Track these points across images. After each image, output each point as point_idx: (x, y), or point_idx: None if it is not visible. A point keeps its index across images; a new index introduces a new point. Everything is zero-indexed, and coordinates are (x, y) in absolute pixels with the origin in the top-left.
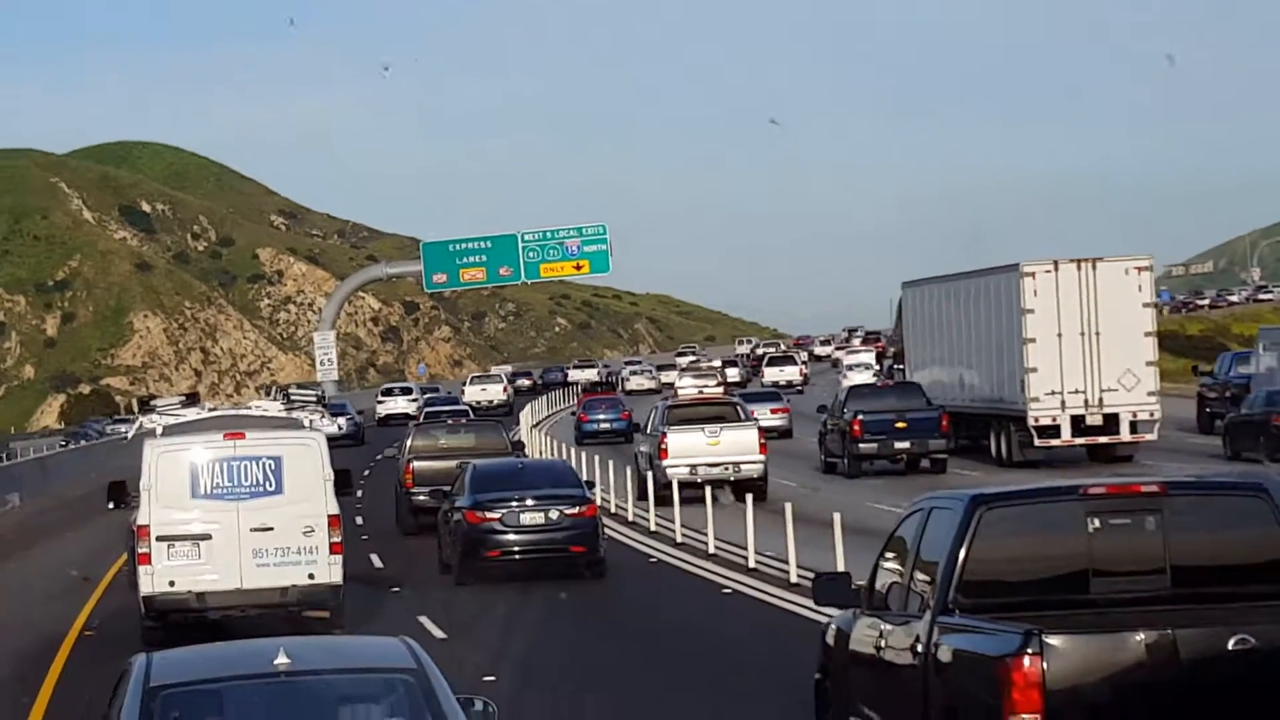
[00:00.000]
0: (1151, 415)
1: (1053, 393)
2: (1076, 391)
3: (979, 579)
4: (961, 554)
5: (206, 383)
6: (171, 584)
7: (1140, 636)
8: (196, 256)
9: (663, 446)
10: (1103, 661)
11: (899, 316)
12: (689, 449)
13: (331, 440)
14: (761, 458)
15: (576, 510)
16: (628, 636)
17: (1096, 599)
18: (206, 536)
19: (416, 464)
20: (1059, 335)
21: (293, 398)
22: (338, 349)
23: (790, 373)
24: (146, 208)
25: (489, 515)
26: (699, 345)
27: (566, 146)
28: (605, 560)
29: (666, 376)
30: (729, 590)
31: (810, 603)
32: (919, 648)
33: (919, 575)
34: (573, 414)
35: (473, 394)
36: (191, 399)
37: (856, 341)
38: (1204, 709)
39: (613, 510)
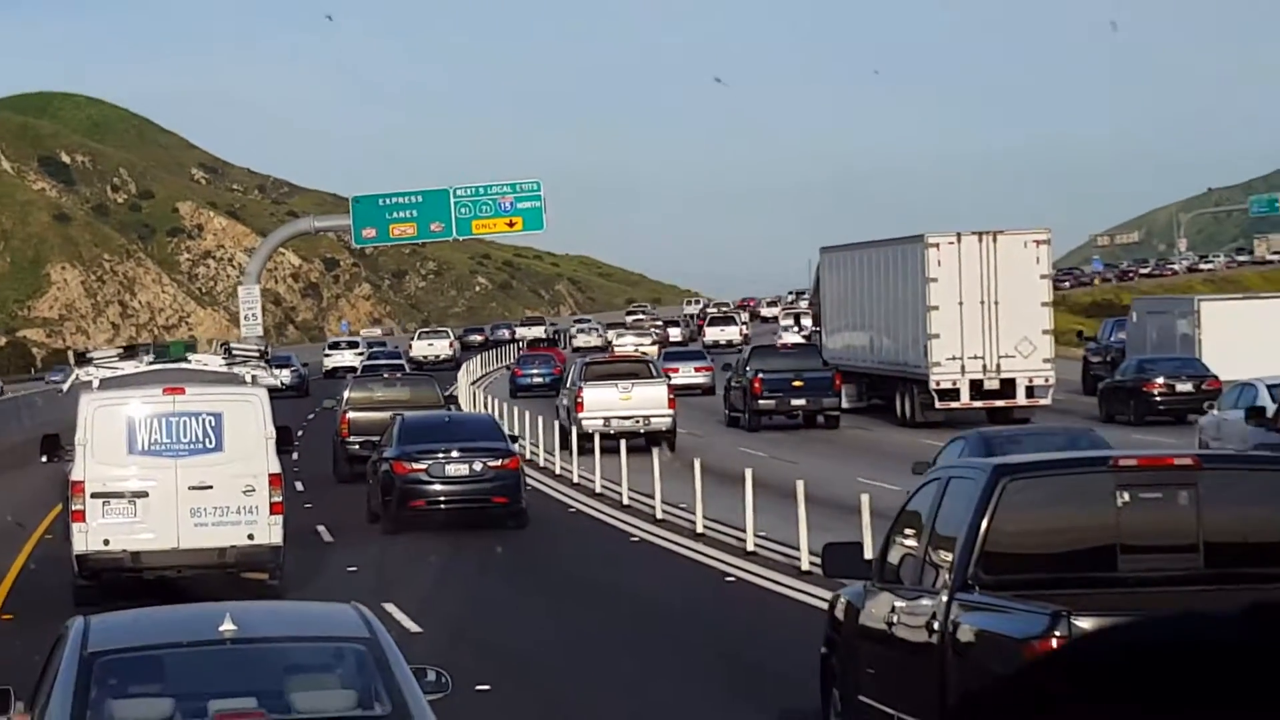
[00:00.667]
0: (1047, 381)
1: (953, 358)
2: (975, 357)
3: (1001, 553)
4: (982, 527)
5: (124, 336)
6: (106, 542)
7: (1176, 618)
8: (116, 209)
9: (579, 400)
10: (1134, 644)
11: (817, 281)
12: (603, 403)
13: (276, 392)
14: (670, 412)
15: (500, 463)
16: (536, 582)
17: (1125, 577)
18: (143, 494)
19: (352, 415)
20: (960, 304)
21: (234, 352)
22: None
23: (730, 332)
24: (66, 159)
25: (415, 466)
26: (649, 305)
27: (490, 107)
28: (527, 511)
29: (614, 334)
30: (636, 539)
31: (709, 549)
32: (935, 625)
33: (936, 548)
34: (507, 368)
35: (420, 349)
36: (130, 351)
37: (804, 304)
38: (1240, 695)
39: (541, 463)
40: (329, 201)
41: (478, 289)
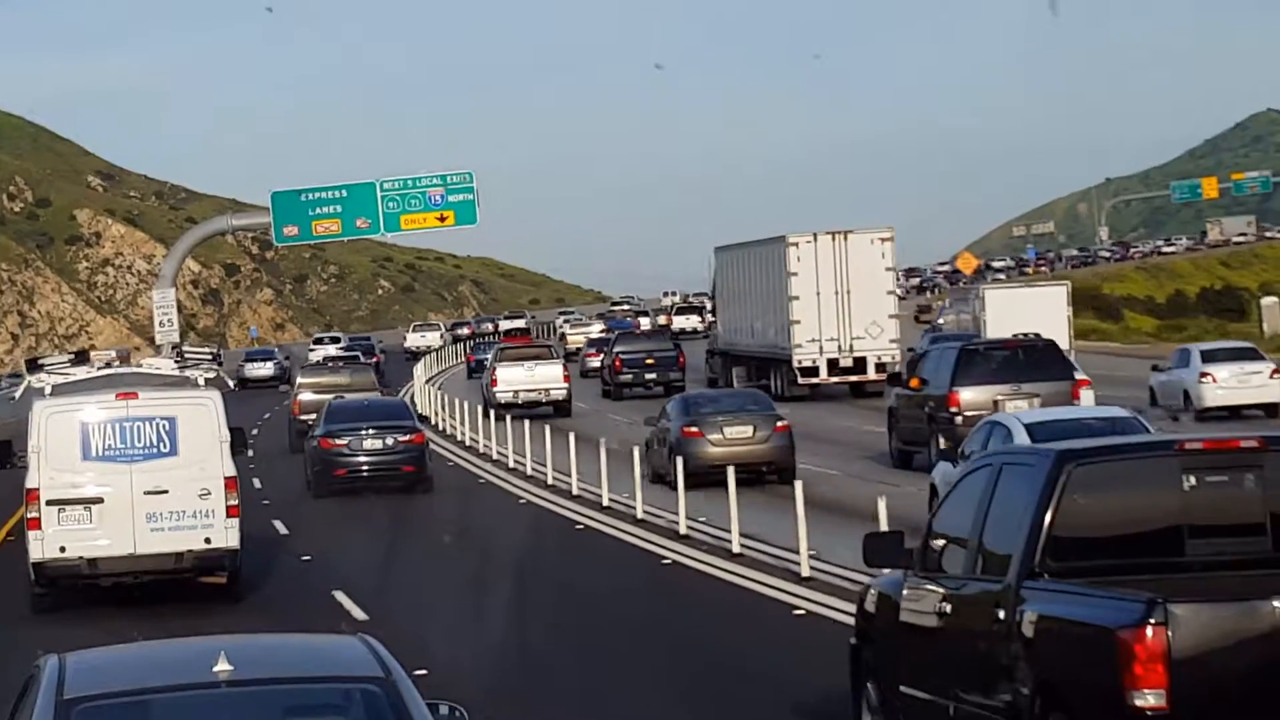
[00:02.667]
0: (894, 359)
1: (813, 340)
2: (831, 339)
3: (1067, 539)
4: (1049, 514)
5: (24, 347)
6: (62, 549)
7: (1276, 605)
8: (12, 218)
9: (493, 378)
10: (1231, 632)
11: (714, 277)
12: (512, 380)
13: (262, 381)
14: (565, 385)
15: (408, 438)
16: (428, 534)
17: (1193, 561)
18: (98, 500)
19: (302, 396)
20: (817, 294)
21: (186, 355)
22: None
23: (694, 320)
24: None
25: (338, 442)
26: (635, 296)
27: (379, 100)
28: (432, 478)
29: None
30: (524, 500)
31: (577, 505)
32: (1000, 614)
33: (990, 537)
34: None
35: (414, 339)
36: (81, 357)
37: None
38: None
39: (466, 442)
40: (228, 206)
41: (380, 292)
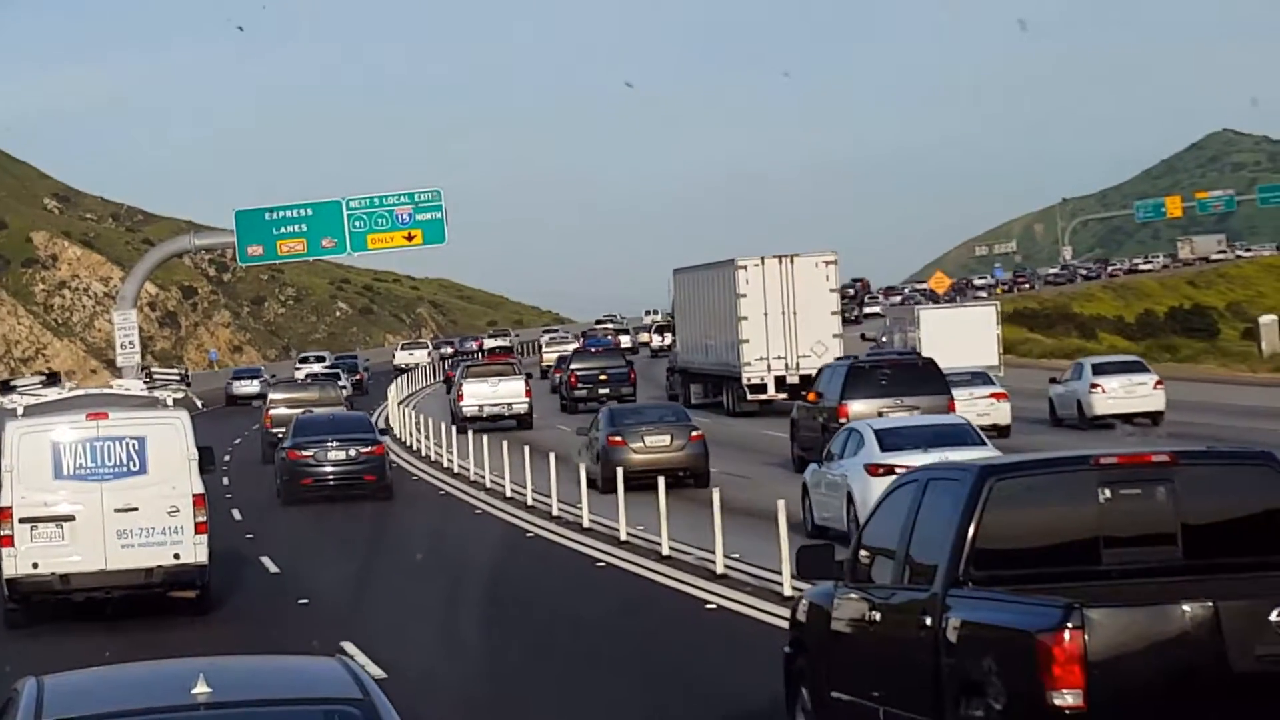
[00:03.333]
0: None
1: (761, 358)
2: (779, 357)
3: (990, 550)
4: (972, 526)
5: None
6: (35, 566)
7: (1184, 609)
8: None
9: (460, 393)
10: (1143, 635)
11: (672, 298)
12: (478, 394)
13: (249, 397)
14: (527, 400)
15: (369, 449)
16: (383, 539)
17: (1109, 569)
18: (70, 518)
19: (272, 411)
20: (765, 314)
21: (155, 376)
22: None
23: (670, 338)
24: None
25: (304, 454)
26: (618, 315)
27: (340, 119)
28: (391, 486)
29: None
30: (480, 510)
31: (524, 513)
32: (927, 621)
33: (916, 548)
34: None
35: (402, 357)
36: (52, 378)
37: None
38: (1247, 683)
39: (432, 457)
40: (184, 228)
41: (338, 314)
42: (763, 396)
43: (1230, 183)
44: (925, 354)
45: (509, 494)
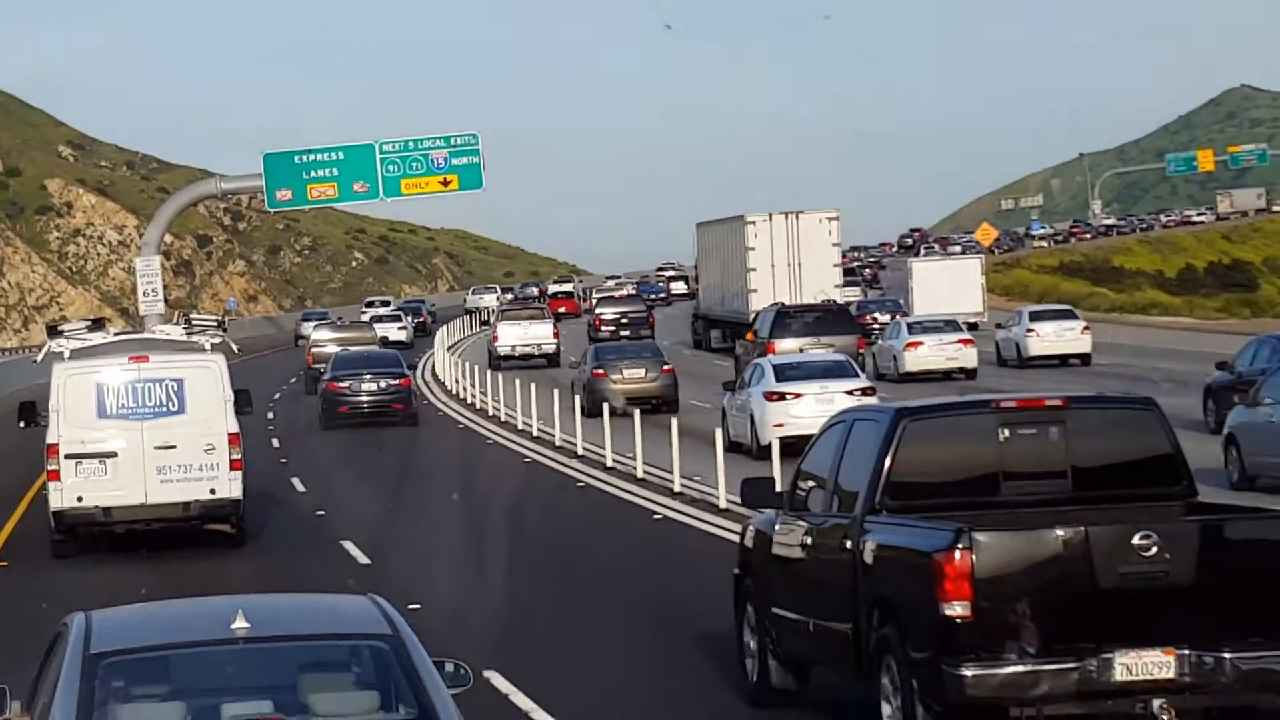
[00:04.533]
0: None
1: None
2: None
3: (903, 482)
4: (888, 460)
5: None
6: (80, 499)
7: (1058, 533)
8: None
9: (495, 334)
10: (1022, 554)
11: (696, 250)
12: (511, 336)
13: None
14: (555, 340)
15: (398, 382)
16: (396, 463)
17: (1007, 500)
18: (113, 454)
19: (315, 349)
20: (772, 266)
21: (194, 322)
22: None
23: (685, 287)
24: None
25: (342, 385)
26: (622, 275)
27: (352, 68)
28: (417, 414)
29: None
30: (490, 441)
31: (529, 442)
32: (847, 545)
33: (843, 480)
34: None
35: (473, 301)
36: (97, 324)
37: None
38: (1111, 597)
39: (469, 400)
40: (199, 177)
41: (354, 264)
42: None
43: (1247, 138)
44: (918, 302)
45: (520, 426)
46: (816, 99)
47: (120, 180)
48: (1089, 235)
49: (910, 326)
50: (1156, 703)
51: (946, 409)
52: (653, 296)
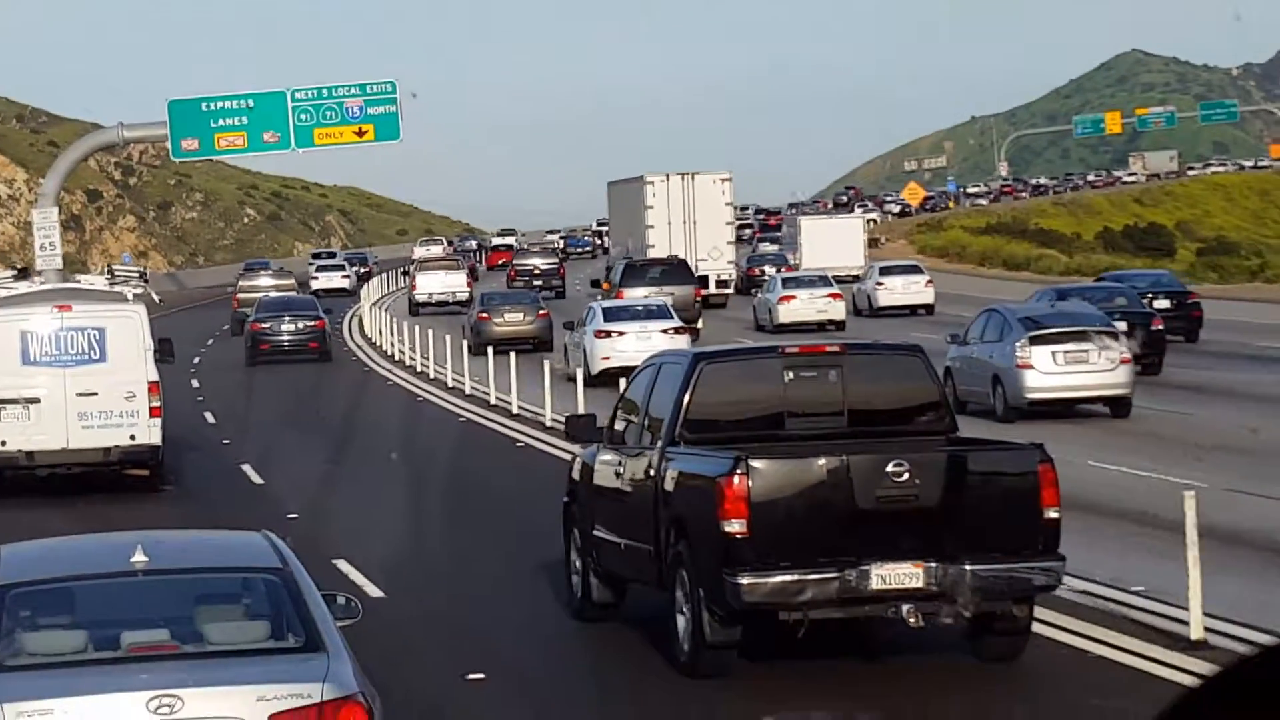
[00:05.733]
0: (730, 276)
1: None
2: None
3: (699, 418)
4: (686, 398)
5: None
6: (4, 443)
7: (823, 462)
8: None
9: (414, 283)
10: (793, 480)
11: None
12: (429, 285)
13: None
14: (468, 289)
15: (314, 323)
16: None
17: (791, 434)
18: (36, 400)
19: (240, 295)
20: (669, 223)
21: (116, 273)
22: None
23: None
24: None
25: (264, 325)
26: (562, 230)
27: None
28: (330, 352)
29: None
30: (390, 382)
31: (424, 383)
32: (651, 473)
33: (652, 417)
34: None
35: (420, 252)
36: (23, 273)
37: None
38: (868, 517)
39: (381, 345)
40: (90, 130)
41: (246, 220)
42: None
43: (1139, 102)
44: (806, 256)
45: (418, 369)
46: (714, 60)
47: (10, 134)
48: (1025, 194)
49: (784, 281)
50: (905, 607)
51: (739, 354)
52: (579, 250)
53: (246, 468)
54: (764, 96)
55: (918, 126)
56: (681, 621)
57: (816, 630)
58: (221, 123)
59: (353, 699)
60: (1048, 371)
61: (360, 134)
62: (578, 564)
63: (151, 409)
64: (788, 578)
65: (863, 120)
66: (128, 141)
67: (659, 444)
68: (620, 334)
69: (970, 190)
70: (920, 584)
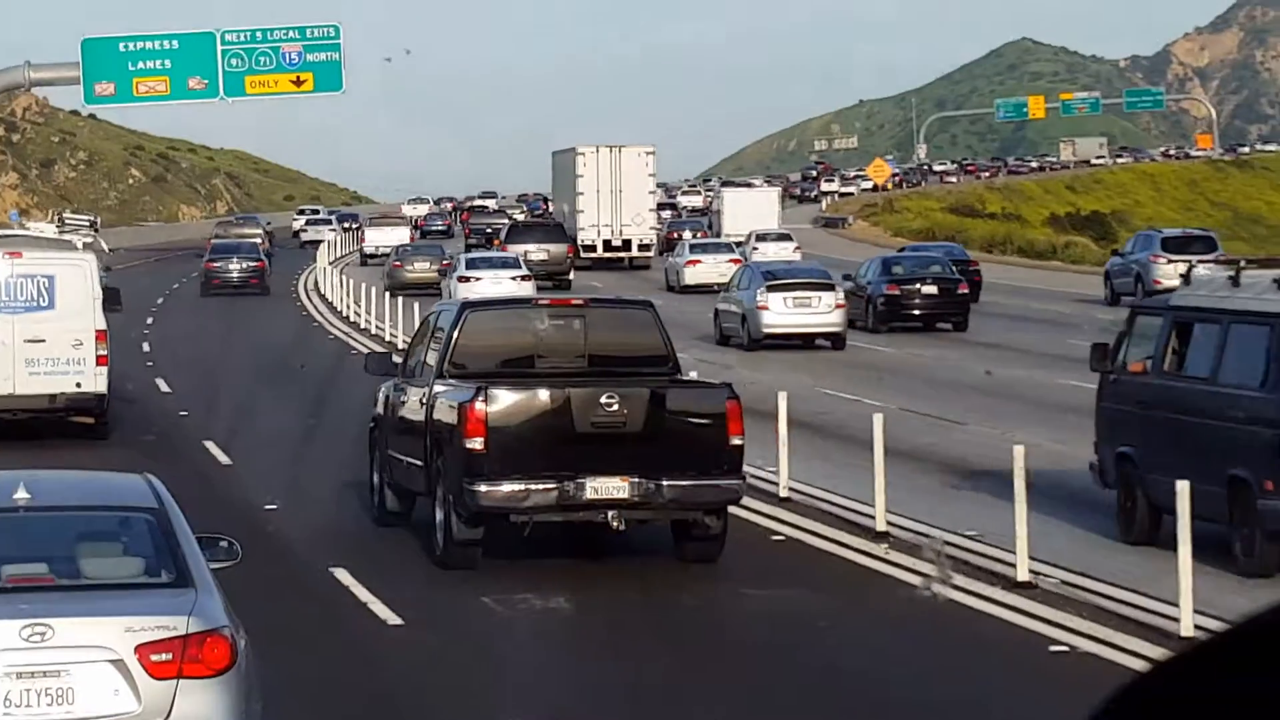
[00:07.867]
0: (651, 241)
1: (593, 225)
2: (606, 225)
3: (464, 357)
4: (454, 339)
5: None
6: None
7: (549, 393)
8: None
9: (362, 236)
10: (523, 407)
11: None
12: (375, 239)
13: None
14: (438, 269)
15: (256, 264)
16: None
17: (540, 373)
18: None
19: (214, 240)
20: (598, 192)
21: (66, 221)
22: None
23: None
24: None
25: (215, 264)
26: (531, 194)
27: None
28: (269, 287)
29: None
30: (332, 336)
31: (348, 328)
32: (424, 401)
33: (431, 355)
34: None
35: (408, 210)
36: None
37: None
38: (585, 438)
39: (321, 291)
40: None
41: (131, 181)
42: (594, 255)
43: (1027, 90)
44: (726, 224)
45: (349, 316)
46: (606, 39)
47: None
48: (988, 174)
49: (691, 247)
50: (611, 513)
51: (501, 304)
52: (536, 213)
53: (160, 382)
54: (642, 76)
55: (806, 109)
56: (439, 520)
57: (556, 534)
58: (141, 65)
59: (217, 632)
60: (780, 313)
61: (298, 83)
62: (376, 480)
63: (98, 357)
64: (516, 486)
65: (749, 101)
66: (34, 84)
67: (431, 377)
68: (478, 279)
69: (937, 168)
70: (625, 495)
